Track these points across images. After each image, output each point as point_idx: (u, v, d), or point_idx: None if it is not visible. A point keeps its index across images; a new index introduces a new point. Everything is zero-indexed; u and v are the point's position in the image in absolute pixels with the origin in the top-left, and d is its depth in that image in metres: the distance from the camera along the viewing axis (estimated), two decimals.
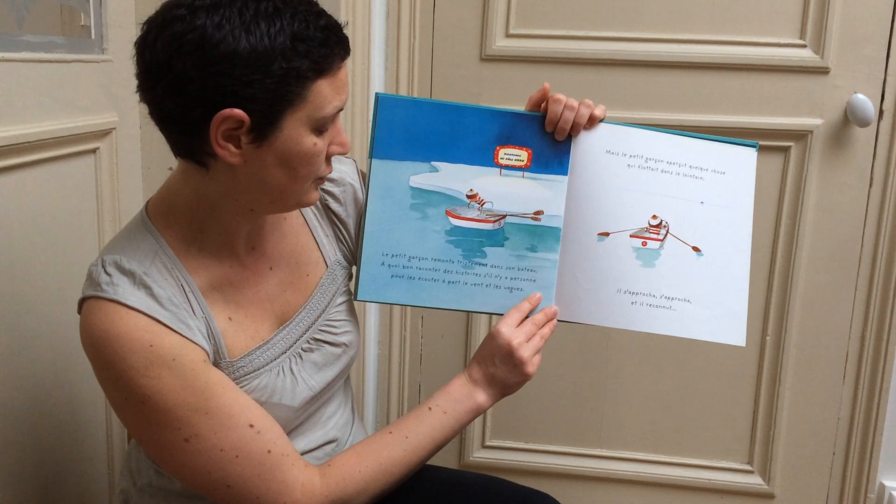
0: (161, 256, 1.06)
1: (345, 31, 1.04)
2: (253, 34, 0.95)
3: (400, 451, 1.15)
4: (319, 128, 1.02)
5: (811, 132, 1.81)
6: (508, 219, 1.22)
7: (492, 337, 1.19)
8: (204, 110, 0.96)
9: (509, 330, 1.19)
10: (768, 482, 1.99)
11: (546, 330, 1.21)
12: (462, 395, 1.20)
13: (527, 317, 1.21)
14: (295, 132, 1.00)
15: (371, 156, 1.19)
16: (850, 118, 1.78)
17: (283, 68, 0.96)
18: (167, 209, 1.09)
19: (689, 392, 1.98)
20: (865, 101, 1.75)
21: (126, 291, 1.01)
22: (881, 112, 1.78)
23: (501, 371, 1.19)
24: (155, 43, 0.97)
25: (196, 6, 0.96)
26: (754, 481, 2.00)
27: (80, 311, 1.05)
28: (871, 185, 1.82)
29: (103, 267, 1.03)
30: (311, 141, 1.02)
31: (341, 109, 1.05)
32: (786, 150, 1.82)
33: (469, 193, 1.21)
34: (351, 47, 1.05)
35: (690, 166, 1.23)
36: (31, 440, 1.40)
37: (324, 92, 1.00)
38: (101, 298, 1.01)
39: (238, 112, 0.96)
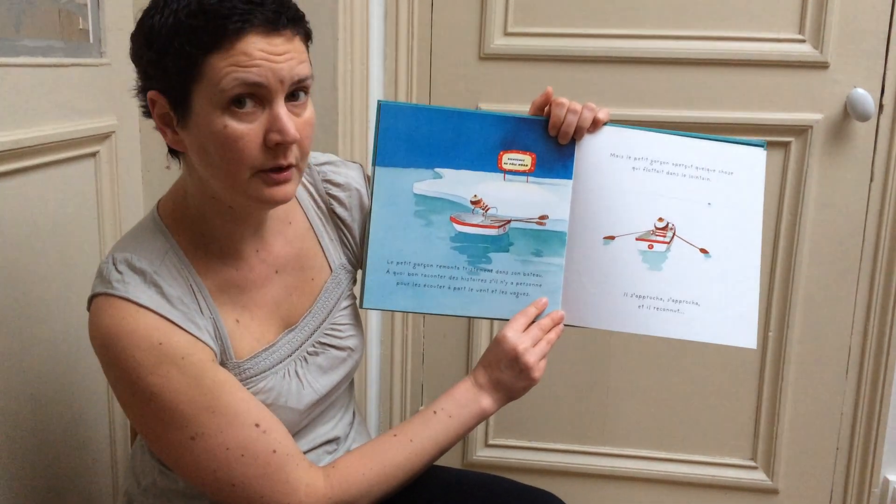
0: (171, 256, 1.06)
1: (275, 5, 0.99)
2: (161, 13, 0.96)
3: (404, 455, 1.15)
4: (226, 107, 0.97)
5: (811, 127, 1.80)
6: (513, 224, 1.22)
7: (497, 342, 1.19)
8: (142, 95, 1.02)
9: (515, 335, 1.18)
10: (772, 478, 1.99)
11: (552, 335, 1.21)
12: (467, 399, 1.20)
13: (533, 321, 1.21)
14: (204, 112, 0.98)
15: (374, 163, 1.19)
16: (850, 113, 1.78)
17: (175, 46, 0.96)
18: (173, 209, 1.10)
19: (692, 388, 1.98)
20: (865, 96, 1.75)
21: (137, 289, 1.01)
22: (881, 106, 1.78)
23: (507, 376, 1.19)
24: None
25: None
26: (758, 477, 2.00)
27: (89, 307, 1.05)
28: (871, 180, 1.82)
29: (114, 264, 1.03)
30: (222, 122, 0.97)
31: (257, 84, 0.97)
32: (786, 145, 1.82)
33: (473, 199, 1.20)
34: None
35: (697, 167, 1.22)
36: (35, 442, 1.40)
37: (217, 66, 0.95)
38: (112, 296, 1.01)
39: (154, 94, 1.00)
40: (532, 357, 1.18)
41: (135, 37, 1.01)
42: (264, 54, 0.96)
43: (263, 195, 1.02)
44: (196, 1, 0.95)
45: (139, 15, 1.01)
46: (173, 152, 1.07)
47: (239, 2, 0.95)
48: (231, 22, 0.95)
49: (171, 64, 0.96)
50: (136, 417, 1.06)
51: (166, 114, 1.01)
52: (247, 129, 0.98)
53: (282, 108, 0.99)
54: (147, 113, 1.04)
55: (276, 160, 1.01)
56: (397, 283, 1.21)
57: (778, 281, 1.89)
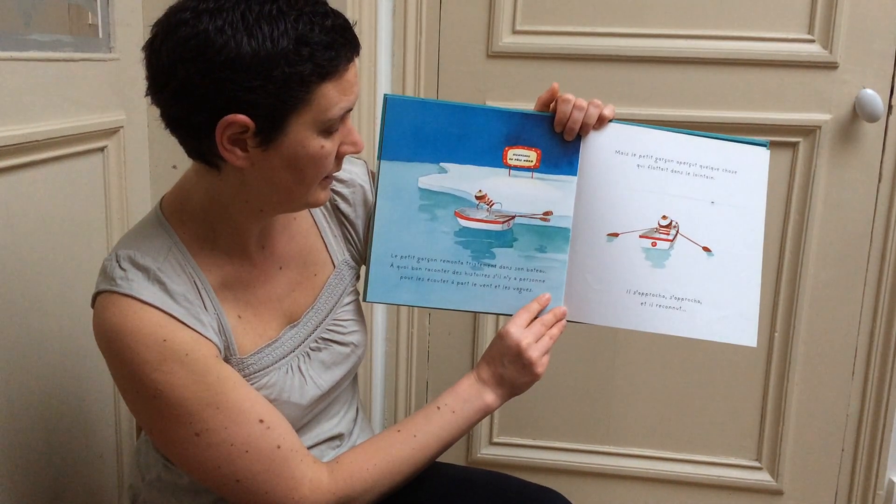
0: (174, 253, 1.06)
1: (354, 30, 1.03)
2: (255, 38, 0.93)
3: (408, 450, 1.16)
4: (327, 130, 1.01)
5: (819, 128, 1.80)
6: (517, 219, 1.22)
7: (501, 337, 1.19)
8: (208, 116, 0.96)
9: (518, 330, 1.18)
10: (777, 479, 1.99)
11: (555, 330, 1.21)
12: (471, 394, 1.20)
13: (536, 317, 1.21)
14: (301, 135, 1.00)
15: (379, 157, 1.19)
16: (858, 113, 1.77)
17: (285, 73, 0.95)
18: (181, 207, 1.10)
19: (697, 388, 1.97)
20: (874, 96, 1.75)
21: (140, 286, 1.01)
22: (890, 107, 1.77)
23: (510, 371, 1.19)
24: (161, 48, 0.97)
25: (200, 10, 0.95)
26: (763, 478, 2.00)
27: (93, 305, 1.05)
28: (879, 181, 1.81)
29: (118, 262, 1.04)
30: (319, 143, 1.01)
31: (350, 109, 1.04)
32: (794, 145, 1.82)
33: (478, 194, 1.21)
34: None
35: (701, 166, 1.22)
36: (41, 437, 1.40)
37: (329, 94, 0.99)
38: (116, 293, 1.01)
39: (242, 117, 0.96)
40: (535, 352, 1.18)
41: (204, 61, 0.94)
42: (355, 80, 1.03)
43: (320, 198, 1.09)
44: (304, 28, 0.96)
45: (190, 38, 0.95)
46: (206, 161, 1.04)
47: (339, 32, 0.99)
48: (345, 50, 0.99)
49: (277, 90, 0.95)
50: (140, 414, 1.07)
51: (241, 136, 0.98)
52: (333, 146, 1.04)
53: (350, 122, 1.05)
54: (192, 138, 1.01)
55: (338, 166, 1.09)
56: (401, 277, 1.21)
57: (784, 281, 1.88)
